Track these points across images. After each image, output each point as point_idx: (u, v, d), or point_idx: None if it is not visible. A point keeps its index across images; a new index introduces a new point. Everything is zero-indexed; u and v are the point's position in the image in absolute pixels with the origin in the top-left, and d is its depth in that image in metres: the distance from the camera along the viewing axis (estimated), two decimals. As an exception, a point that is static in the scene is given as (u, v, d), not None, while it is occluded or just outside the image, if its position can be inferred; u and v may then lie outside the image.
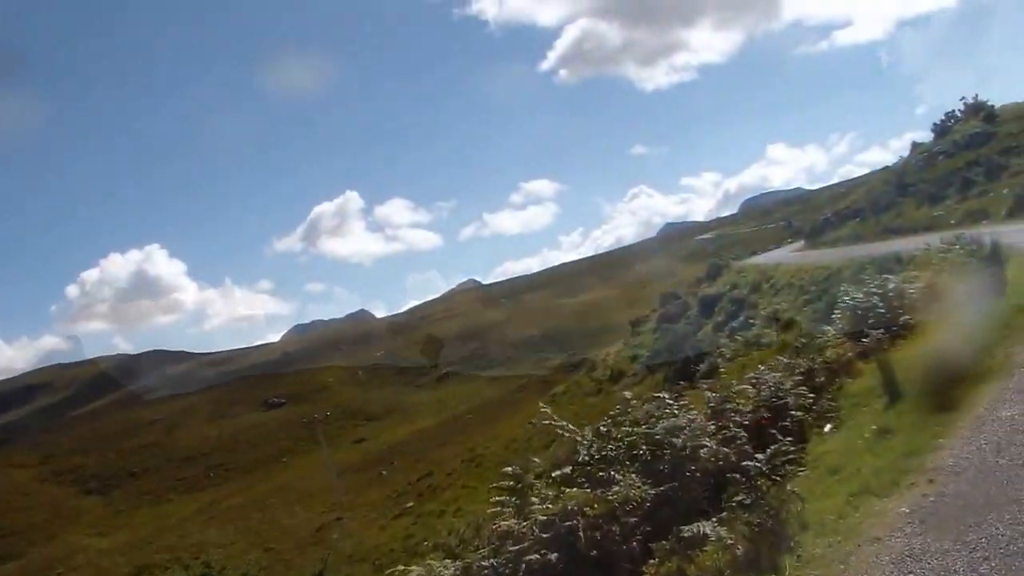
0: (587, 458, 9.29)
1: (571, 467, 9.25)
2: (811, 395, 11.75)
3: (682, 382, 42.66)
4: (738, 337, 41.49)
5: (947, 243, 19.83)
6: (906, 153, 76.35)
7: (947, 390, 10.37)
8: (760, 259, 69.75)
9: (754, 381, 11.25)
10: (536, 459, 10.95)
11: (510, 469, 9.39)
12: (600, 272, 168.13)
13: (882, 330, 15.31)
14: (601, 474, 9.07)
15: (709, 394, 10.81)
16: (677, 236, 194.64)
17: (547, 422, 10.04)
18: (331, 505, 67.78)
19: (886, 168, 79.86)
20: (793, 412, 10.85)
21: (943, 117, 72.47)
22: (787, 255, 64.35)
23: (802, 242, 71.52)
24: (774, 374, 11.59)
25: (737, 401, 10.66)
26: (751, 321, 44.74)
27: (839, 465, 9.33)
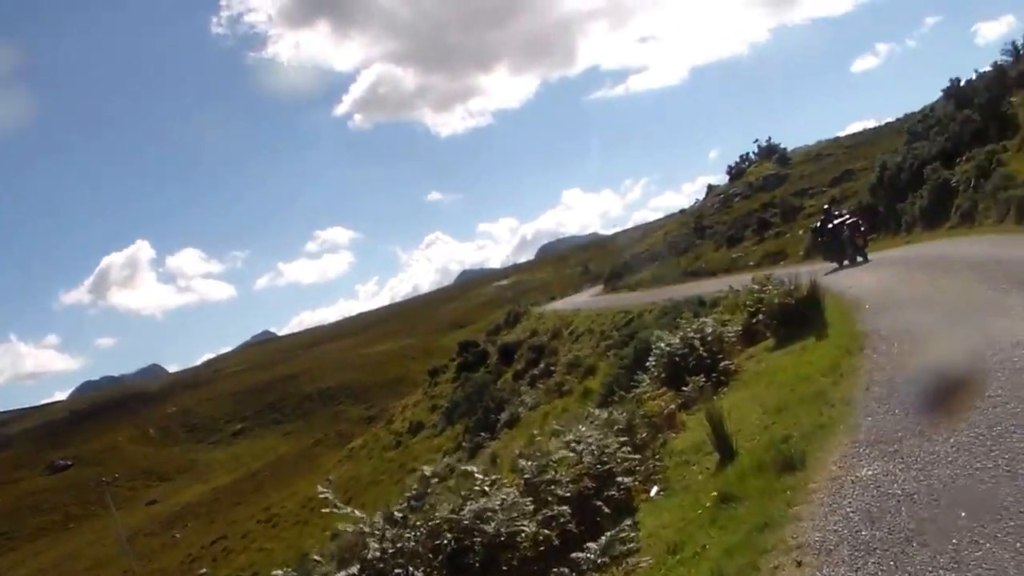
0: (378, 553, 7.46)
1: (359, 566, 7.41)
2: (635, 456, 10.35)
3: (483, 433, 41.80)
4: (539, 385, 41.45)
5: (758, 283, 19.15)
6: (701, 196, 78.57)
7: (786, 444, 9.17)
8: (559, 304, 69.50)
9: (575, 444, 9.73)
10: (317, 556, 9.08)
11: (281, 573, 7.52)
12: (397, 321, 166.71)
13: (703, 377, 14.25)
14: (398, 571, 7.33)
15: (524, 463, 9.17)
16: (475, 283, 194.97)
17: (327, 509, 8.17)
18: (122, 573, 65.04)
19: (682, 211, 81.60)
20: (620, 479, 9.39)
21: (738, 160, 75.13)
22: (586, 300, 64.02)
23: (601, 286, 71.77)
24: (594, 433, 10.10)
25: (556, 470, 9.10)
26: (552, 368, 43.77)
27: (679, 542, 7.88)
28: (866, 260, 25.55)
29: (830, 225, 28.15)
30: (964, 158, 30.88)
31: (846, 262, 26.44)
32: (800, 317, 15.59)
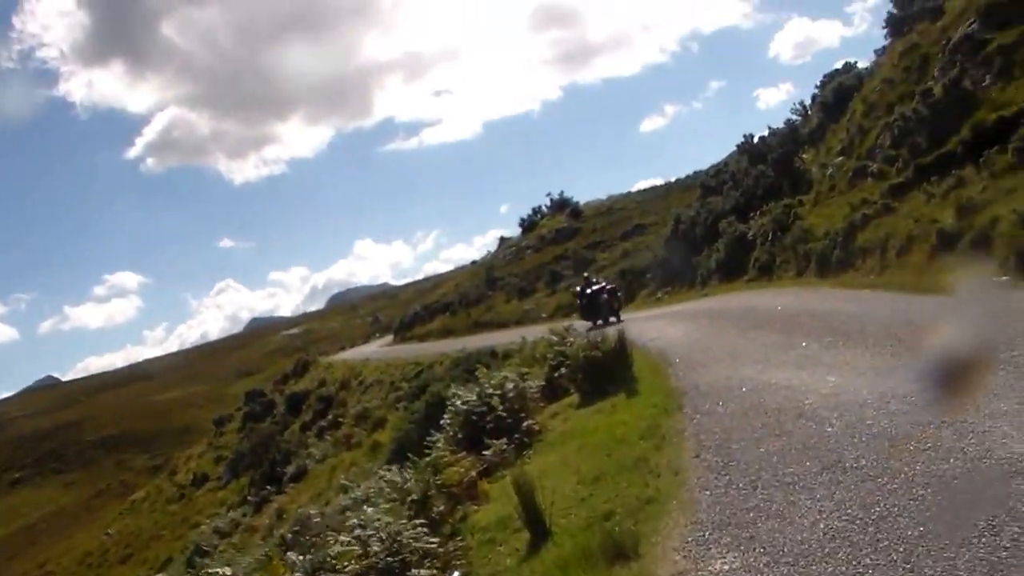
0: None
1: None
2: (433, 539, 8.50)
3: (269, 486, 39.22)
4: (327, 437, 40.09)
5: (557, 335, 17.82)
6: (493, 248, 77.90)
7: (611, 522, 7.60)
8: (348, 354, 67.16)
9: (360, 530, 7.79)
10: None
11: None
12: (185, 368, 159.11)
13: (505, 439, 12.61)
14: None
15: (295, 557, 7.16)
16: (264, 331, 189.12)
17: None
18: None
19: (474, 263, 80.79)
20: (415, 571, 7.52)
21: (530, 213, 74.63)
22: (375, 350, 61.90)
23: (391, 337, 70.32)
24: (383, 517, 8.19)
25: (336, 565, 7.14)
26: (340, 420, 42.09)
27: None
28: (619, 321, 28.30)
29: (588, 291, 31.22)
30: (759, 212, 30.86)
31: (600, 322, 29.36)
32: (607, 372, 14.27)
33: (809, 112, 37.15)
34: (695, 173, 61.01)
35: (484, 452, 12.33)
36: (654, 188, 76.08)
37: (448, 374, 29.48)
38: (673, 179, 76.28)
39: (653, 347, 17.84)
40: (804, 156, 33.77)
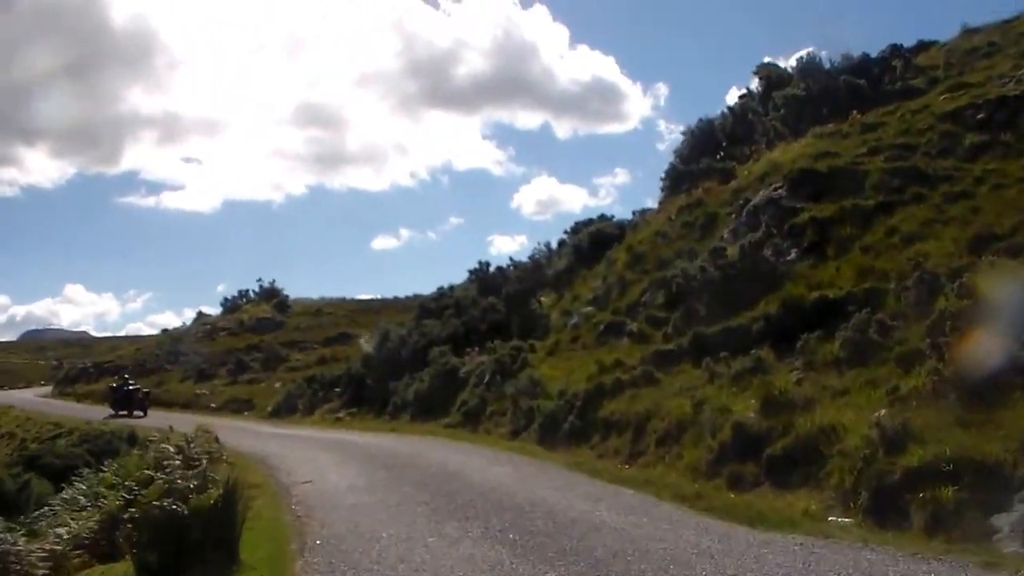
0: None
1: None
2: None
3: None
4: None
5: (166, 451, 11.61)
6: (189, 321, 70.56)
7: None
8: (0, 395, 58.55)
9: None
10: None
11: None
12: None
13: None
14: None
15: None
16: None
17: None
18: None
19: (165, 331, 72.51)
20: None
21: (236, 294, 68.93)
22: (30, 398, 54.30)
23: (51, 387, 61.71)
24: None
25: None
26: None
27: None
28: (144, 415, 36.84)
29: (126, 388, 39.87)
30: (481, 348, 25.85)
31: (125, 412, 37.72)
32: (196, 541, 8.22)
33: (556, 254, 32.81)
34: (415, 295, 56.07)
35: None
36: (373, 301, 70.68)
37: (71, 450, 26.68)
38: (393, 296, 71.14)
39: (300, 497, 12.02)
40: (543, 299, 29.20)
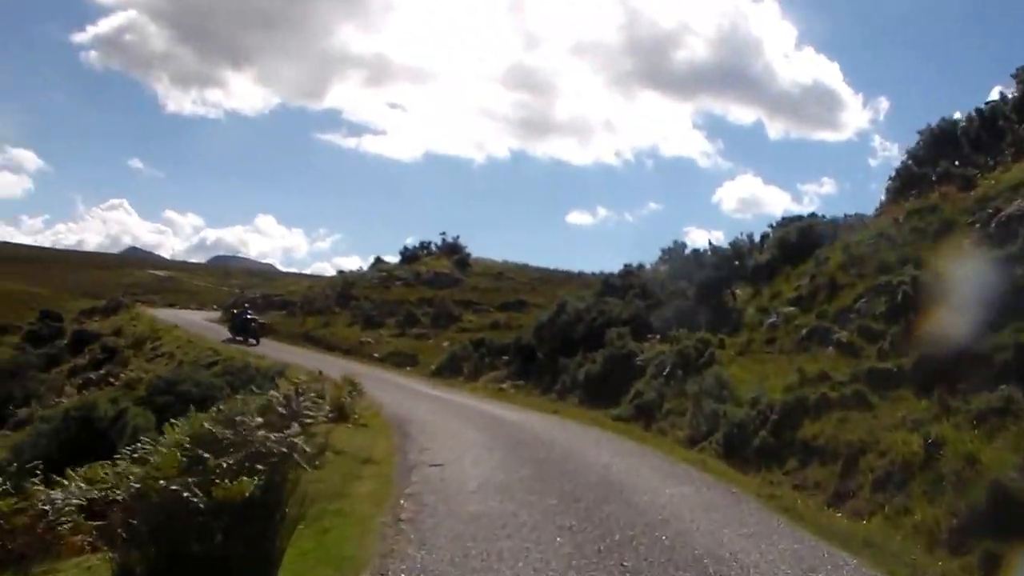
0: None
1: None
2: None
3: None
4: (86, 393, 33.29)
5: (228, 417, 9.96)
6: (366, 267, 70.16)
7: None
8: (168, 313, 59.90)
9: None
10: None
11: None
12: (41, 266, 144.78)
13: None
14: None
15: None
16: (135, 262, 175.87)
17: None
18: None
19: (340, 272, 72.28)
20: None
21: (416, 245, 67.66)
22: (196, 320, 54.60)
23: (220, 314, 62.94)
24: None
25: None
26: (111, 380, 36.06)
27: None
28: (257, 343, 39.87)
29: (244, 316, 42.39)
30: (662, 336, 23.65)
31: (240, 339, 40.65)
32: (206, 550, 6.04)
33: (758, 247, 30.14)
34: (602, 272, 53.70)
35: None
36: (554, 271, 68.51)
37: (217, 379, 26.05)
38: (578, 271, 68.63)
39: (418, 488, 10.32)
40: (738, 291, 26.70)
